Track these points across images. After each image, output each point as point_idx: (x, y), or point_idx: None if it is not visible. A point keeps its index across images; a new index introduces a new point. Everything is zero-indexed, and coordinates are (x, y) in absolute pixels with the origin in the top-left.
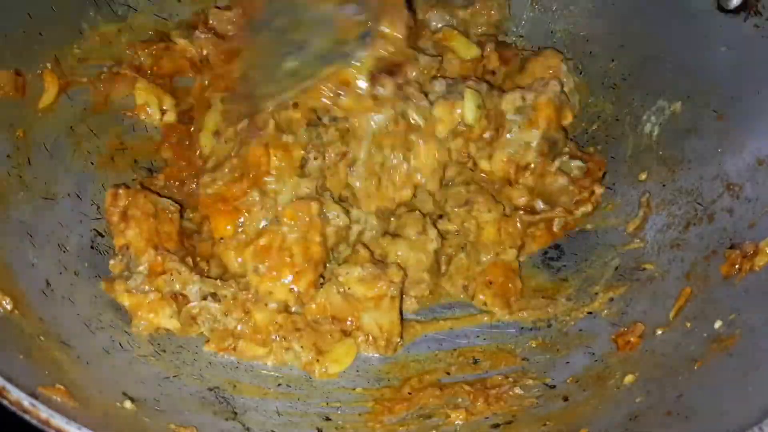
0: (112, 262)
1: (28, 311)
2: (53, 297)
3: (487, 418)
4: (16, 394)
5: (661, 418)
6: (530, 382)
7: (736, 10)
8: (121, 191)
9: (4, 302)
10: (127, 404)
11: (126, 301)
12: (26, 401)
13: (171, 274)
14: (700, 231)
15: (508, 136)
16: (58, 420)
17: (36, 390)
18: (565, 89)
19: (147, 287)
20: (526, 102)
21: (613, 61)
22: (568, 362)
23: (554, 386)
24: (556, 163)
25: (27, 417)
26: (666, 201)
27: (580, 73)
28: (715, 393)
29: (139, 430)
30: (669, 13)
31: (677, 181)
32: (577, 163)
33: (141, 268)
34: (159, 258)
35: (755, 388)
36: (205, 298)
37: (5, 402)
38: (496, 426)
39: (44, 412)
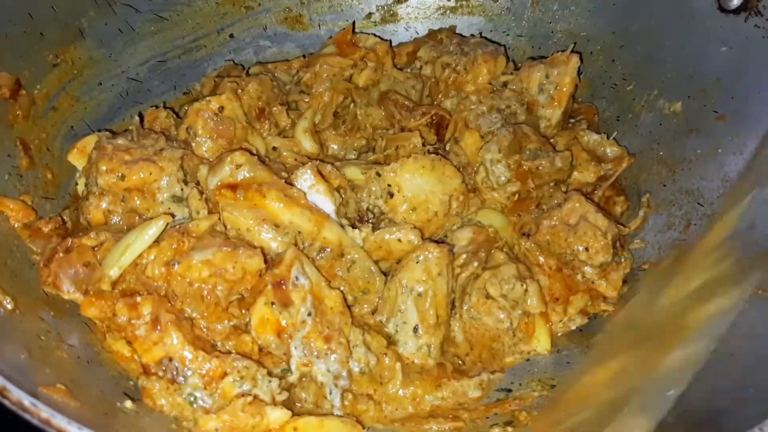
0: (144, 384)
1: (29, 311)
2: (54, 297)
3: (487, 417)
4: (17, 393)
5: None
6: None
7: (736, 10)
8: (139, 299)
9: (5, 302)
10: (128, 404)
11: (217, 421)
12: (27, 401)
13: (239, 373)
14: (701, 231)
15: None
16: (59, 420)
17: (37, 390)
18: None
19: (213, 399)
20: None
21: (613, 61)
22: (568, 362)
23: (554, 386)
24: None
25: (28, 417)
26: (666, 201)
27: (580, 72)
28: (715, 393)
29: (140, 430)
30: (669, 13)
31: (677, 181)
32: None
33: (193, 380)
34: (215, 361)
35: (755, 389)
36: (287, 389)
37: (6, 402)
38: (497, 426)
39: (45, 412)
